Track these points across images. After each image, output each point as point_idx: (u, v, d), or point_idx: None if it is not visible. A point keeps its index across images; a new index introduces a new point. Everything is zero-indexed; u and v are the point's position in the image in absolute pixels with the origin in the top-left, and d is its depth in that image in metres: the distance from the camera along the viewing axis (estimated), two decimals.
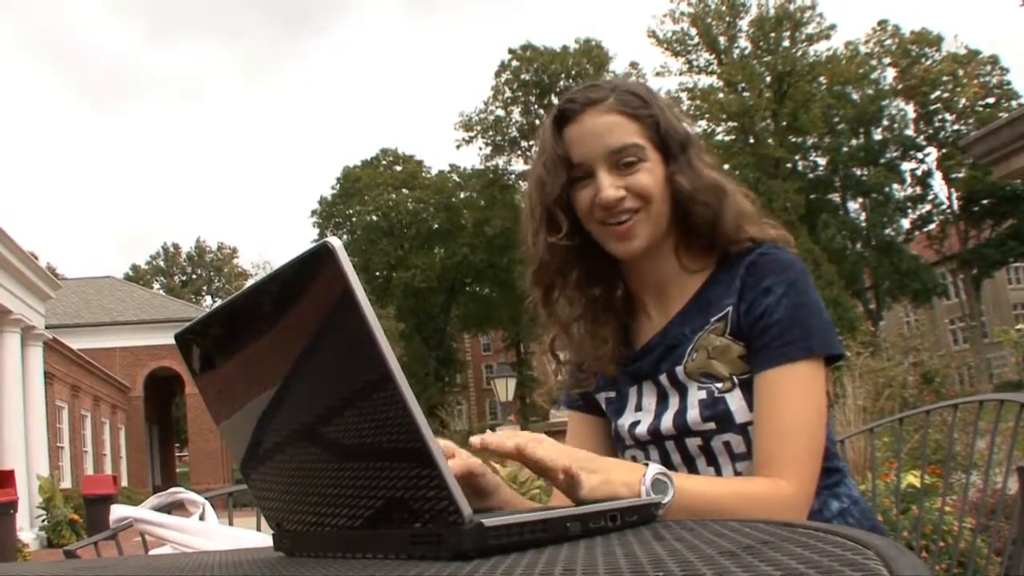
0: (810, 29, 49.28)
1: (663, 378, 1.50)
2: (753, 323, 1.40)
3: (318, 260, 0.74)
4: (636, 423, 1.53)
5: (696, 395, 1.44)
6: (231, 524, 2.02)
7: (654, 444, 1.50)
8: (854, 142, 49.72)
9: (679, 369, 1.47)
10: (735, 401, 1.41)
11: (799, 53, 48.89)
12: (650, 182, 1.45)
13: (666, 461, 1.49)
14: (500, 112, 54.87)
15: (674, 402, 1.48)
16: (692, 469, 1.47)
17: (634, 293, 1.59)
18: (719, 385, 1.43)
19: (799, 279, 1.41)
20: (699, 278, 1.51)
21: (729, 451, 1.43)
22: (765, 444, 1.35)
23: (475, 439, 1.07)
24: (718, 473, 1.44)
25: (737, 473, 1.43)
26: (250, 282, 0.87)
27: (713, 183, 1.48)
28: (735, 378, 1.42)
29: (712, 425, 1.42)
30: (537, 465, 1.09)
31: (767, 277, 1.41)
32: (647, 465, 1.14)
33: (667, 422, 1.47)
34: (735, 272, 1.45)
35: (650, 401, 1.52)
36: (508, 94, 54.62)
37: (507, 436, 1.09)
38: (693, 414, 1.43)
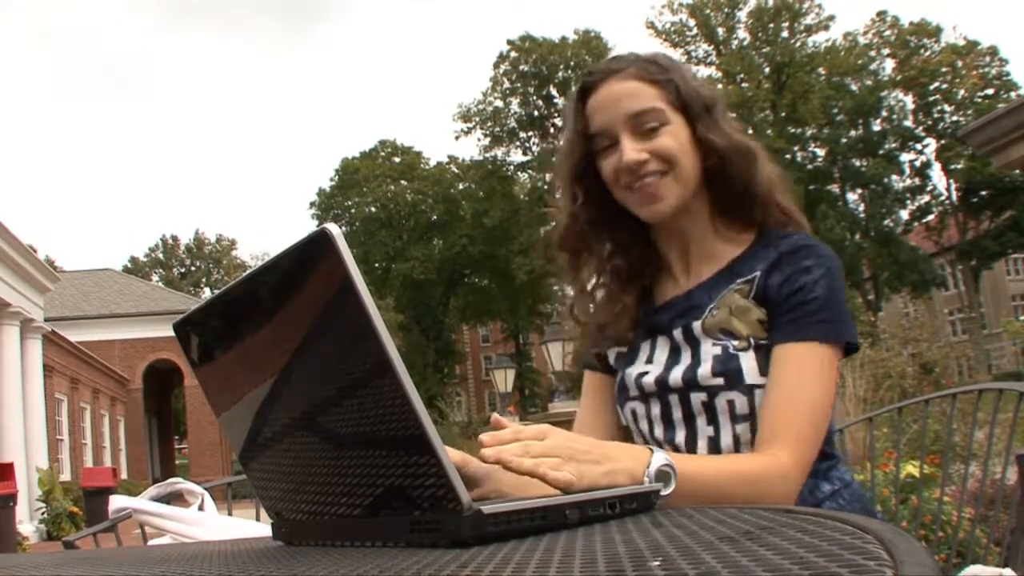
0: (809, 20, 49.18)
1: (677, 333, 1.53)
2: (788, 296, 1.43)
3: (316, 246, 0.74)
4: (644, 373, 1.55)
5: (711, 350, 1.46)
6: (230, 514, 2.02)
7: (657, 396, 1.52)
8: (853, 133, 49.60)
9: (696, 324, 1.50)
10: (747, 361, 1.43)
11: (798, 44, 48.79)
12: (674, 144, 1.47)
13: (667, 417, 1.51)
14: (499, 103, 54.76)
15: (686, 356, 1.50)
16: (691, 427, 1.49)
17: (662, 253, 1.62)
18: (735, 343, 1.45)
19: (835, 270, 1.46)
20: (734, 249, 1.54)
21: (732, 411, 1.44)
22: (773, 416, 1.37)
23: (489, 452, 1.00)
24: (716, 433, 1.46)
25: (735, 435, 1.44)
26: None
27: (743, 143, 1.51)
28: (752, 339, 1.44)
29: (721, 381, 1.44)
30: (526, 474, 1.04)
31: (808, 258, 1.44)
32: (652, 452, 1.14)
33: (676, 374, 1.49)
34: (772, 250, 1.48)
35: (662, 354, 1.55)
36: (507, 85, 54.52)
37: (512, 437, 1.04)
38: (705, 368, 1.45)
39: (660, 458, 1.13)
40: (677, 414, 1.50)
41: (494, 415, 1.13)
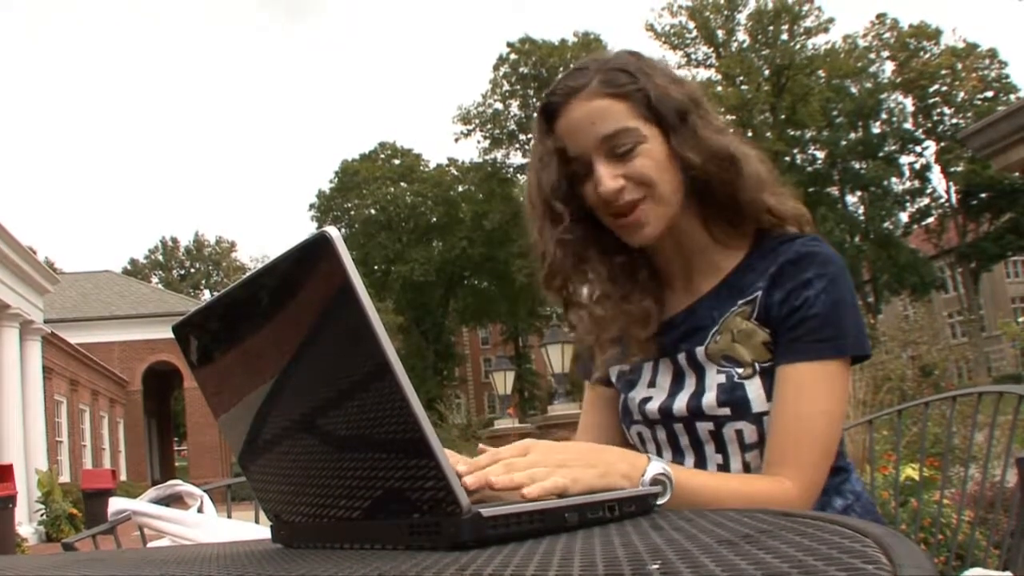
0: (808, 22, 49.23)
1: (681, 357, 1.46)
2: (789, 314, 1.36)
3: (316, 250, 0.74)
4: (647, 399, 1.49)
5: (715, 378, 1.41)
6: (230, 517, 2.02)
7: (662, 424, 1.47)
8: (852, 136, 49.65)
9: (699, 350, 1.43)
10: (754, 389, 1.37)
11: (797, 46, 48.83)
12: (650, 165, 1.37)
13: (673, 442, 1.47)
14: (498, 105, 54.82)
15: (690, 383, 1.44)
16: (699, 454, 1.44)
17: (659, 267, 1.54)
18: (740, 371, 1.39)
19: (840, 275, 1.37)
20: (732, 258, 1.47)
21: (740, 440, 1.39)
22: (779, 441, 1.32)
23: (470, 480, 0.94)
24: (725, 460, 1.41)
25: (745, 463, 1.40)
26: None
27: (723, 149, 1.39)
28: (757, 365, 1.38)
29: (727, 411, 1.39)
30: (515, 489, 0.97)
31: (808, 269, 1.36)
32: (649, 460, 1.11)
33: (680, 403, 1.43)
34: (772, 260, 1.40)
35: (665, 379, 1.48)
36: (506, 87, 54.56)
37: (490, 460, 1.00)
38: (710, 397, 1.40)
39: (657, 466, 1.09)
40: (684, 441, 1.45)
41: (480, 446, 1.09)
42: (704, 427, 1.42)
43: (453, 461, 1.15)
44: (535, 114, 1.48)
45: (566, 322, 1.61)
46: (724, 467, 1.42)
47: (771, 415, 1.35)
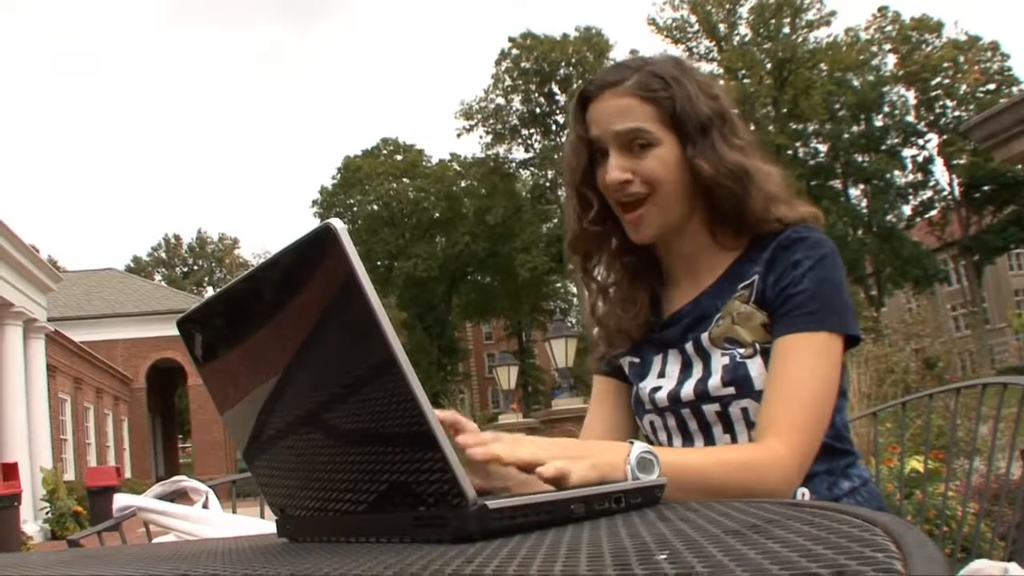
0: (810, 15, 49.12)
1: (689, 346, 1.52)
2: (779, 293, 1.42)
3: (320, 242, 0.73)
4: (657, 388, 1.54)
5: (720, 361, 1.46)
6: (234, 512, 2.02)
7: (671, 410, 1.52)
8: (855, 129, 49.53)
9: (704, 336, 1.49)
10: (755, 367, 1.42)
11: (799, 40, 48.71)
12: (659, 167, 1.46)
13: (683, 427, 1.52)
14: (501, 100, 54.69)
15: (697, 370, 1.50)
16: (708, 436, 1.48)
17: (665, 265, 1.62)
18: (742, 351, 1.44)
19: (828, 257, 1.43)
20: (732, 255, 1.53)
21: (746, 418, 1.43)
22: (768, 407, 1.36)
23: (480, 451, 0.97)
24: (734, 440, 1.45)
25: (752, 440, 1.42)
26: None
27: (736, 166, 1.46)
28: (757, 345, 1.43)
29: (731, 390, 1.43)
30: (522, 465, 1.00)
31: (798, 251, 1.43)
32: (632, 443, 1.11)
33: (688, 388, 1.48)
34: (767, 248, 1.46)
35: (674, 368, 1.54)
36: (508, 82, 54.42)
37: (493, 438, 1.01)
38: (715, 379, 1.45)
39: (640, 446, 1.10)
40: (693, 425, 1.50)
41: (451, 412, 1.09)
42: (711, 409, 1.47)
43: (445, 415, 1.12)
44: (573, 99, 1.58)
45: (584, 284, 1.71)
46: None
47: (764, 387, 1.39)
